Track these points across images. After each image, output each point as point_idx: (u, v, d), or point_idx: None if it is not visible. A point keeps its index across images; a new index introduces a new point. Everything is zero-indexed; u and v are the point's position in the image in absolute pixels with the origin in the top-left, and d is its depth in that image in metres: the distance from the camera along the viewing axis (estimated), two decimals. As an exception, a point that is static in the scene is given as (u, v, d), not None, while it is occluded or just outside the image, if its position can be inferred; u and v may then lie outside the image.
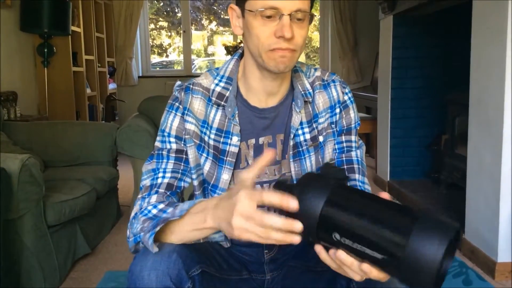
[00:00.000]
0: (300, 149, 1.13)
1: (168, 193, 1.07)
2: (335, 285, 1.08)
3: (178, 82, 1.16)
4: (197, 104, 1.12)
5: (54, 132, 2.96)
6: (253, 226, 0.78)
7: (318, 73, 1.19)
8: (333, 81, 1.18)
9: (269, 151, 0.86)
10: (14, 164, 1.81)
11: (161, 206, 1.01)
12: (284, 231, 0.77)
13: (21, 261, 1.92)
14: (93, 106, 4.79)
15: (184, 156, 1.11)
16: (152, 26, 6.52)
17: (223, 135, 1.11)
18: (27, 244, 1.93)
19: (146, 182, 1.10)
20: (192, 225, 0.92)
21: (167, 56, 6.93)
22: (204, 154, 1.11)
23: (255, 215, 0.78)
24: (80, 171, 2.70)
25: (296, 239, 0.77)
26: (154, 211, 1.01)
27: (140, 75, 5.83)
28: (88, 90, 4.64)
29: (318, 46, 6.17)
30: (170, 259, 0.93)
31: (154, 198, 1.05)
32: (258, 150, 1.13)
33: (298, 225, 0.76)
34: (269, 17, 0.99)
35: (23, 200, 1.86)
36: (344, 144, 1.16)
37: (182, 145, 1.11)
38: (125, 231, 2.81)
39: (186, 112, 1.11)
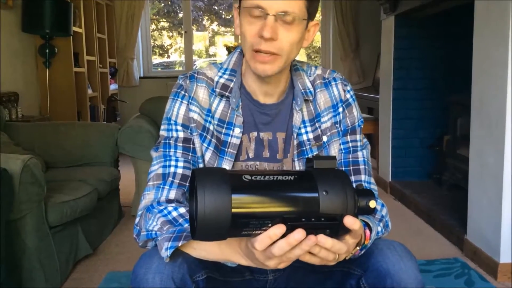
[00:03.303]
0: (304, 148, 1.13)
1: (185, 185, 1.05)
2: (344, 286, 1.07)
3: (180, 76, 1.15)
4: (202, 93, 1.11)
5: (56, 132, 2.96)
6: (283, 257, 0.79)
7: (319, 71, 1.18)
8: (334, 79, 1.18)
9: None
10: (16, 165, 1.81)
11: (182, 210, 0.99)
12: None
13: (23, 261, 1.92)
14: (94, 107, 4.80)
15: (191, 145, 1.09)
16: (153, 26, 6.52)
17: (225, 126, 1.11)
18: (29, 244, 1.92)
19: (157, 169, 1.07)
20: (218, 255, 0.92)
21: (168, 56, 6.93)
22: (205, 144, 1.10)
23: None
24: (81, 171, 2.70)
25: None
26: (174, 214, 0.99)
27: (142, 75, 5.84)
28: (90, 91, 4.65)
29: (320, 47, 6.17)
30: (175, 263, 0.93)
31: (172, 194, 1.03)
32: (259, 144, 1.12)
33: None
34: (257, 16, 0.98)
35: (24, 200, 1.86)
36: (350, 144, 1.15)
37: (189, 133, 1.09)
38: (127, 232, 2.82)
39: (190, 100, 1.10)
